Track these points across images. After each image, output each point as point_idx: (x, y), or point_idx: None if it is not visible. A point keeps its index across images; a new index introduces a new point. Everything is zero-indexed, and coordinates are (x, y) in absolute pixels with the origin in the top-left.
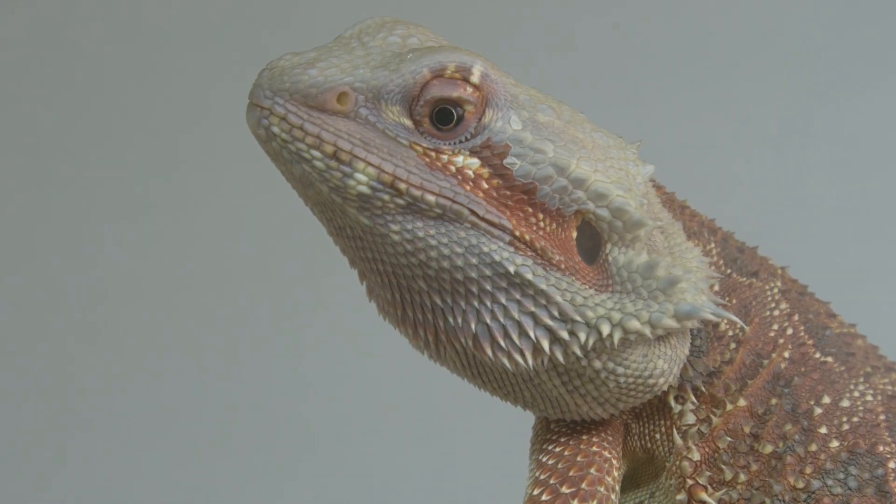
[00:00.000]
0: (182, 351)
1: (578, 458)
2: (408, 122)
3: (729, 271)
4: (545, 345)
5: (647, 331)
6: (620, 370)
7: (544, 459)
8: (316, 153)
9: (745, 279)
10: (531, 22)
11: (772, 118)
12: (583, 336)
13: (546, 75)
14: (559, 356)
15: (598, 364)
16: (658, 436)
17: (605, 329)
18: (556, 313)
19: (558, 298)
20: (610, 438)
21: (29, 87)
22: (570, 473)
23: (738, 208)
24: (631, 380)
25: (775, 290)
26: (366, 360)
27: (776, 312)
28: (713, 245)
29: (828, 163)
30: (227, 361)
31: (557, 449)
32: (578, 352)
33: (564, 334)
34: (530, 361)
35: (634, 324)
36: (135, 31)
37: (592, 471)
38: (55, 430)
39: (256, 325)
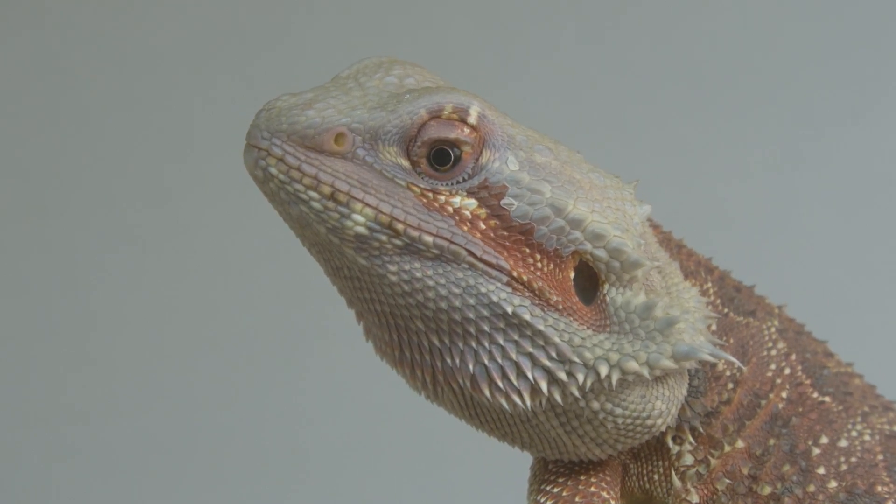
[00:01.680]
0: (173, 379)
1: (577, 499)
2: (405, 163)
3: (726, 311)
4: (543, 386)
5: (646, 371)
6: (619, 411)
7: (542, 500)
8: (313, 194)
9: (742, 318)
10: (522, 57)
11: (764, 148)
12: (581, 377)
13: (536, 108)
14: (557, 397)
15: (596, 405)
16: (656, 476)
17: (604, 370)
18: (553, 354)
19: (556, 339)
20: (608, 479)
21: (19, 115)
22: None
23: (732, 239)
24: (629, 420)
25: (773, 330)
26: (362, 391)
27: (773, 352)
28: (710, 284)
29: (822, 193)
30: (218, 390)
31: (556, 490)
32: (576, 393)
33: (562, 375)
34: (528, 402)
35: (632, 365)
36: (124, 58)
37: None
38: (44, 458)
39: (249, 354)
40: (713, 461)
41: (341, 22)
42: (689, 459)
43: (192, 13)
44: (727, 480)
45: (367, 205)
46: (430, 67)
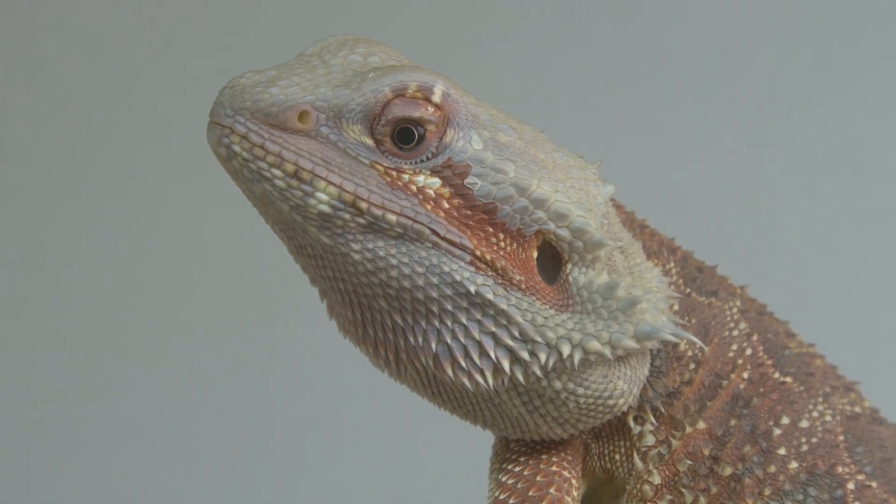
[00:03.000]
0: (144, 362)
1: (538, 478)
2: (369, 141)
3: (688, 291)
4: (505, 365)
5: (608, 351)
6: (581, 390)
7: (504, 479)
8: (277, 172)
9: (704, 299)
10: (489, 36)
11: (729, 131)
12: (543, 356)
13: (504, 89)
14: (519, 376)
15: (558, 384)
16: (617, 456)
17: (566, 349)
18: (516, 333)
19: (519, 318)
20: (570, 458)
21: None
22: (530, 493)
23: (696, 222)
24: (591, 400)
25: (734, 310)
26: (330, 369)
27: (735, 332)
28: (673, 264)
29: (786, 176)
30: (188, 371)
31: (517, 469)
32: (539, 372)
33: (525, 354)
34: (490, 381)
35: (594, 344)
36: (92, 39)
37: (552, 490)
38: (14, 440)
39: (219, 336)
40: (675, 442)
41: (309, 4)
42: (650, 440)
43: None
44: (688, 461)
45: (331, 183)
46: (397, 46)
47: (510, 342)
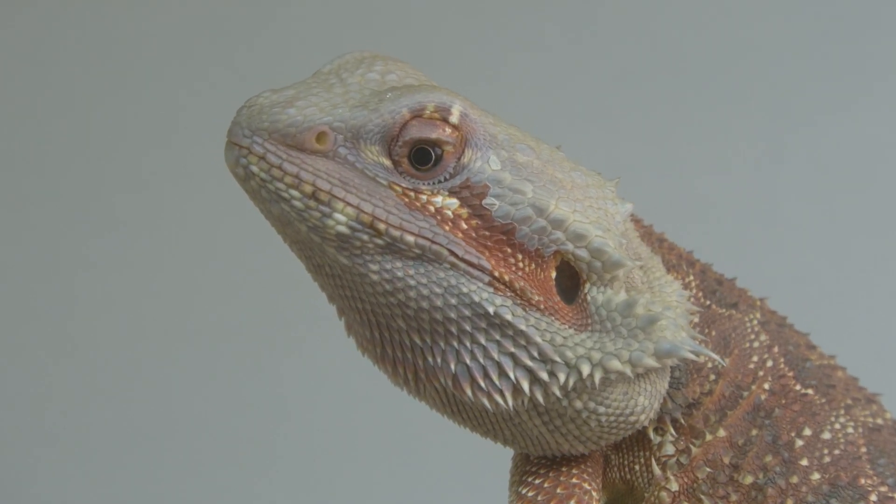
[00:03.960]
0: (154, 367)
1: (558, 490)
2: (387, 162)
3: (708, 303)
4: (525, 385)
5: (628, 370)
6: (601, 409)
7: (524, 492)
8: (295, 192)
9: (724, 311)
10: (505, 46)
11: (746, 141)
12: (563, 376)
13: (518, 101)
14: (539, 397)
15: (578, 404)
16: (637, 467)
17: (586, 369)
18: (535, 354)
19: (538, 339)
20: (590, 470)
21: (3, 102)
22: None
23: (712, 231)
24: (612, 418)
25: (755, 322)
26: (344, 382)
27: (756, 344)
28: (692, 277)
29: (803, 185)
30: (199, 379)
31: (537, 481)
32: (558, 392)
33: (544, 375)
34: (510, 402)
35: (615, 363)
36: (109, 46)
37: (572, 503)
38: (25, 445)
39: (231, 344)
40: (694, 450)
41: (325, 12)
42: (670, 449)
43: (177, 1)
44: (708, 469)
45: (349, 204)
46: (413, 60)
47: (529, 362)
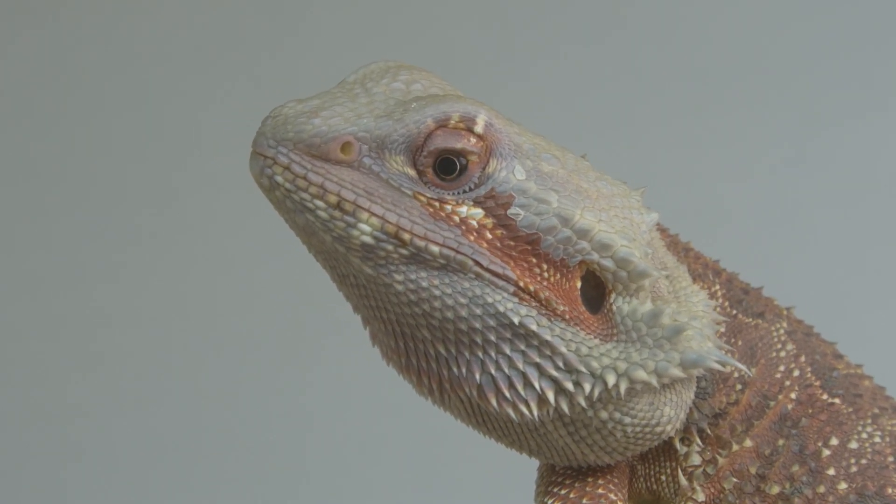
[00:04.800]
0: (179, 378)
1: (584, 501)
2: (411, 172)
3: (735, 312)
4: (550, 396)
5: (654, 380)
6: (627, 420)
7: (550, 502)
8: (319, 203)
9: (750, 320)
10: (526, 57)
11: (768, 146)
12: (588, 387)
13: (541, 108)
14: (564, 407)
15: (604, 414)
16: (663, 477)
17: (611, 379)
18: (560, 364)
19: (563, 349)
20: (616, 480)
21: (25, 114)
22: None
23: (737, 239)
24: (638, 429)
25: (781, 331)
26: (368, 391)
27: (782, 353)
28: (718, 286)
29: (827, 192)
30: (224, 390)
31: (563, 492)
32: (584, 403)
33: (569, 385)
34: (535, 412)
35: (640, 374)
36: (132, 57)
37: None
38: (50, 456)
39: (255, 354)
40: (721, 460)
41: (349, 21)
42: (696, 460)
43: (199, 13)
44: (734, 479)
45: (374, 214)
46: (435, 68)
47: (554, 373)
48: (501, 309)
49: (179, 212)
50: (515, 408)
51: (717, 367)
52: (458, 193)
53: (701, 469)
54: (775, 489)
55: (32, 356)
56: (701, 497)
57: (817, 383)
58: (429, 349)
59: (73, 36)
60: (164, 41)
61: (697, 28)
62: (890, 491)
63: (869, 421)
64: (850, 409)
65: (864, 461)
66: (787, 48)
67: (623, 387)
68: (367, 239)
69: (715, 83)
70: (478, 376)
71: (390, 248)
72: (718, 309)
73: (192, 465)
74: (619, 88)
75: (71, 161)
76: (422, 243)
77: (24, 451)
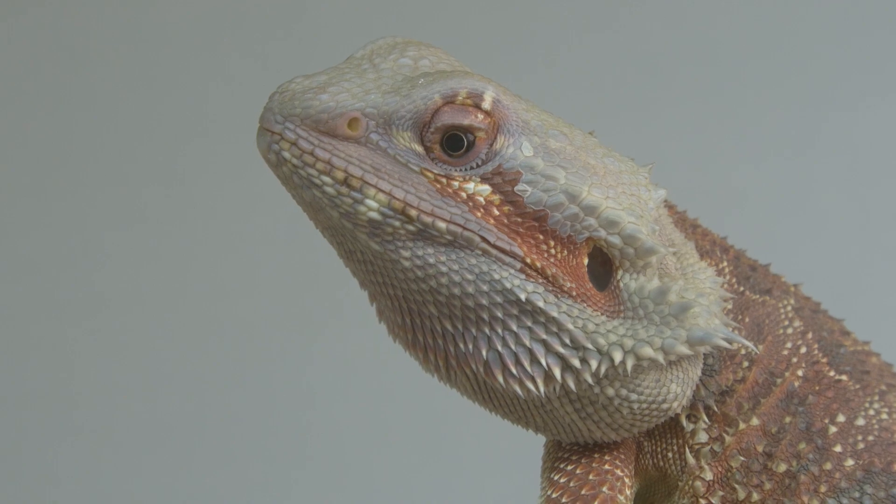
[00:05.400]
0: (181, 361)
1: (591, 477)
2: (419, 148)
3: (742, 289)
4: (557, 372)
5: (661, 357)
6: (634, 396)
7: (556, 478)
8: (326, 179)
9: (758, 297)
10: (536, 38)
11: (779, 128)
12: (594, 363)
13: (550, 87)
14: (571, 384)
15: (610, 391)
16: (670, 454)
17: (618, 356)
18: (567, 340)
19: (570, 326)
20: (622, 457)
21: (28, 96)
22: (583, 492)
23: (746, 221)
24: (644, 405)
25: (788, 308)
26: (375, 370)
27: (790, 330)
28: (726, 263)
29: (837, 172)
30: (227, 373)
31: (570, 467)
32: (590, 379)
33: (576, 362)
34: (542, 389)
35: (647, 350)
36: (137, 37)
37: (605, 489)
38: (52, 439)
39: (258, 336)
40: (728, 438)
41: (355, 1)
42: (703, 437)
43: None
44: (741, 458)
45: (381, 190)
46: (445, 46)
47: (561, 349)
48: (508, 285)
49: (184, 192)
50: (522, 384)
51: (724, 344)
52: (466, 170)
53: (708, 447)
54: (782, 467)
55: (35, 340)
56: (709, 476)
57: (824, 360)
58: (435, 325)
59: (79, 17)
60: (169, 19)
61: (711, 9)
62: None
63: (876, 398)
64: (858, 386)
65: (871, 438)
66: (800, 30)
67: (629, 363)
68: (374, 215)
69: (728, 65)
70: (484, 353)
71: (397, 224)
72: (726, 286)
73: (195, 448)
74: (631, 70)
75: (75, 140)
76: (428, 219)
77: (23, 434)
